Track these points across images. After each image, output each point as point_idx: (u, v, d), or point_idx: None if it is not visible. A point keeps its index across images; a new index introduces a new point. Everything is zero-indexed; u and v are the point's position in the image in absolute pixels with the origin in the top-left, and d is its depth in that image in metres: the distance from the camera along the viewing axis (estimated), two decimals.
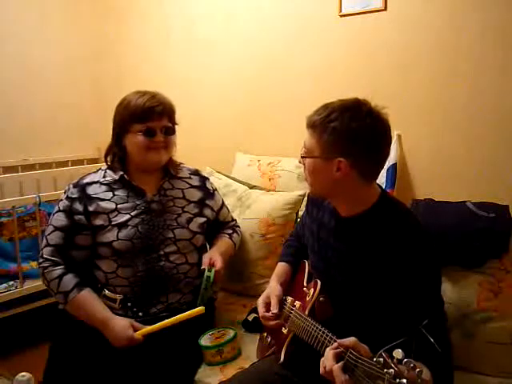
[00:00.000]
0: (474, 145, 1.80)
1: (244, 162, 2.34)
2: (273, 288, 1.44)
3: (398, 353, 0.85)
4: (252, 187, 2.14)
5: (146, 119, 1.59)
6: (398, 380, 0.81)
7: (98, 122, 2.98)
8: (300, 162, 1.27)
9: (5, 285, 2.27)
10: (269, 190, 2.10)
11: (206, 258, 1.65)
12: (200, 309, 1.50)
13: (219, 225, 1.85)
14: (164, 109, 1.62)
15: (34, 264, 2.37)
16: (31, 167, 2.85)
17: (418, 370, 0.81)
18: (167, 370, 1.44)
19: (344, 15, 2.05)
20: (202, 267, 1.61)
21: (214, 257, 1.64)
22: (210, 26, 2.53)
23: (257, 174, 2.23)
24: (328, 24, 2.11)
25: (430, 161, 1.90)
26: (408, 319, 1.10)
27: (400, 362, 0.84)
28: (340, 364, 0.95)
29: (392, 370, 0.83)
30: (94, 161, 3.06)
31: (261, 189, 2.12)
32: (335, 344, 1.01)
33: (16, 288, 2.26)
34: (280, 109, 2.33)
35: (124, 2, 2.93)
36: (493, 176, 1.76)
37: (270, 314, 1.37)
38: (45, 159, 2.92)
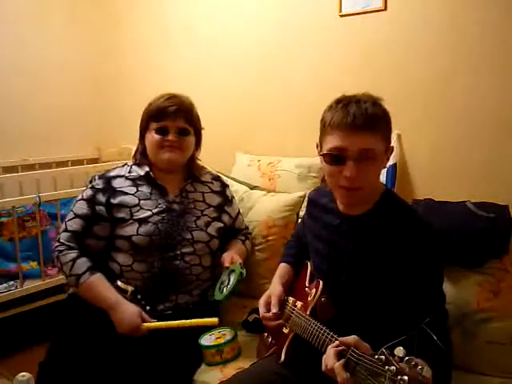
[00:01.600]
0: (474, 145, 1.80)
1: (244, 162, 2.33)
2: (274, 288, 1.45)
3: (399, 350, 0.85)
4: (253, 188, 2.14)
5: (161, 118, 1.65)
6: (399, 377, 0.82)
7: (98, 122, 2.98)
8: (350, 176, 1.15)
9: (5, 285, 2.26)
10: (269, 191, 2.10)
11: (227, 257, 1.66)
12: (213, 320, 1.53)
13: (234, 232, 1.87)
14: (179, 109, 1.66)
15: (33, 264, 2.38)
16: (31, 167, 2.84)
17: (419, 367, 0.82)
18: (167, 370, 1.45)
19: (344, 15, 2.05)
20: (226, 265, 1.62)
21: (236, 257, 1.67)
22: (210, 25, 2.53)
23: (257, 174, 2.23)
24: (328, 24, 2.11)
25: (430, 161, 1.90)
26: (411, 316, 1.10)
27: (402, 359, 0.84)
28: (341, 362, 0.96)
29: (393, 368, 0.83)
30: (94, 161, 3.06)
31: (261, 189, 2.12)
32: (336, 342, 1.01)
33: (16, 288, 2.26)
34: (280, 109, 2.33)
35: (124, 2, 2.93)
36: (493, 176, 1.77)
37: (270, 314, 1.37)
38: (45, 159, 2.91)
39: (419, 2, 1.87)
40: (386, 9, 1.94)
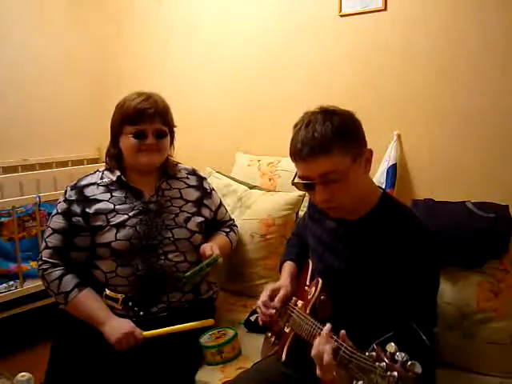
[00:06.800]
0: (474, 145, 1.80)
1: (244, 162, 2.34)
2: (285, 285, 1.42)
3: (391, 346, 0.86)
4: (252, 187, 2.14)
5: (137, 121, 1.59)
6: (389, 373, 0.82)
7: (98, 121, 2.97)
8: (324, 203, 1.17)
9: (5, 285, 2.27)
10: (269, 190, 2.10)
11: (207, 248, 1.62)
12: (209, 321, 1.55)
13: (217, 224, 1.85)
14: (156, 111, 1.61)
15: (33, 264, 2.38)
16: (31, 167, 2.85)
17: (409, 363, 0.82)
18: (168, 370, 1.45)
19: (344, 15, 2.05)
20: (209, 253, 1.59)
21: (214, 247, 1.63)
22: (210, 25, 2.53)
23: (257, 174, 2.23)
24: (328, 24, 2.10)
25: (430, 161, 1.90)
26: (405, 315, 1.10)
27: (393, 355, 0.84)
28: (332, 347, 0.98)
29: (384, 364, 0.84)
30: (94, 161, 3.06)
31: (261, 189, 2.12)
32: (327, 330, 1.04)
33: (16, 288, 2.27)
34: (280, 109, 2.33)
35: (124, 2, 2.93)
36: (493, 176, 1.76)
37: (270, 311, 1.36)
38: (45, 159, 2.92)
39: (419, 2, 1.87)
40: (385, 9, 1.94)
